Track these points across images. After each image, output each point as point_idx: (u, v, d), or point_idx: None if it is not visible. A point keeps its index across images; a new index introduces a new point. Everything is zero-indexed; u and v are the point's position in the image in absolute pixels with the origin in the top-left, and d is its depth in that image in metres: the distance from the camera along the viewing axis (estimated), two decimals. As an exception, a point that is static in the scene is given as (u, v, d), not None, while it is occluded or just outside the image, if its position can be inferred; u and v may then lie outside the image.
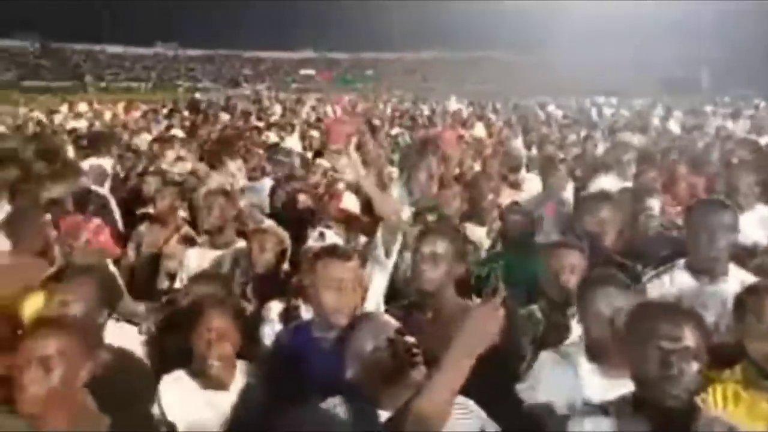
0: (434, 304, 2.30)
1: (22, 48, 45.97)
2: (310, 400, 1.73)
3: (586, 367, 1.95)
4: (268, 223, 3.46)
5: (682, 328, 1.52)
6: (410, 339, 1.68)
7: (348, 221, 3.28)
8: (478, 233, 3.59)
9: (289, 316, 2.71)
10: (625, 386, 1.64)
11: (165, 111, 15.36)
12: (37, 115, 13.40)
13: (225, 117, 12.92)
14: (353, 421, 1.63)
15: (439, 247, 2.26)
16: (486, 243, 3.54)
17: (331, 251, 2.17)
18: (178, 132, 8.87)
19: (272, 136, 8.49)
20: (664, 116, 11.86)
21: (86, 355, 1.61)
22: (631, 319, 1.67)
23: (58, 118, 12.54)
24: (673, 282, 2.50)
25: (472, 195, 3.76)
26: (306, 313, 2.71)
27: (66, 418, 1.56)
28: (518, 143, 7.27)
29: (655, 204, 3.46)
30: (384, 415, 1.61)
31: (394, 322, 1.77)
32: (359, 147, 6.68)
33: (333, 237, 3.09)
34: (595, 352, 1.96)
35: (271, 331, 2.58)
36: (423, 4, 53.96)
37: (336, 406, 1.68)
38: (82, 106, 16.05)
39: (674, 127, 10.12)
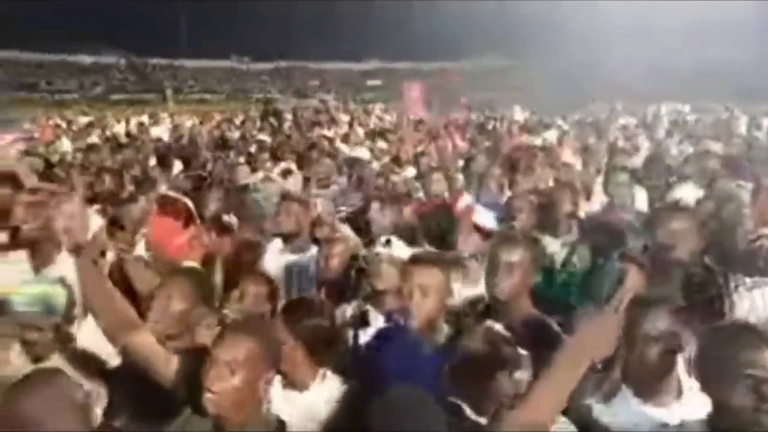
0: (508, 313, 2.30)
1: (110, 64, 49.27)
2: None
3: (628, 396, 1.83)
4: (342, 229, 3.55)
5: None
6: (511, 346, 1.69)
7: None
8: (552, 245, 3.53)
9: (359, 320, 2.79)
10: (667, 415, 1.57)
11: (237, 121, 16.08)
12: (126, 126, 14.31)
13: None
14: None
15: (515, 256, 2.26)
16: (561, 255, 3.47)
17: (423, 258, 2.23)
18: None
19: (342, 147, 8.71)
20: (751, 124, 11.19)
21: (270, 363, 1.76)
22: (711, 344, 1.58)
23: (146, 130, 13.32)
24: (765, 298, 2.37)
25: (547, 205, 3.70)
26: (376, 318, 2.79)
27: (244, 421, 1.70)
28: (599, 148, 7.05)
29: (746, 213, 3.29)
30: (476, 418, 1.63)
31: (498, 328, 1.79)
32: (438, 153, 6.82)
33: (398, 244, 3.13)
34: (636, 380, 1.82)
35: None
36: (485, 12, 53.29)
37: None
38: (164, 118, 17.00)
39: (762, 135, 9.53)
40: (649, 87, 29.05)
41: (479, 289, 2.61)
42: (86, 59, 47.81)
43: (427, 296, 2.03)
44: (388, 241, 2.78)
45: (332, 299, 2.84)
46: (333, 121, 14.63)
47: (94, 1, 50.06)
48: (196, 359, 1.85)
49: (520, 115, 16.26)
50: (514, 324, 2.31)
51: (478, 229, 3.21)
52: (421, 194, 4.89)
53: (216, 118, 17.26)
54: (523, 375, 1.63)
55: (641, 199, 4.41)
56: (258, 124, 14.75)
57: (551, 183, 4.92)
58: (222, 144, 9.75)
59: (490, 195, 3.58)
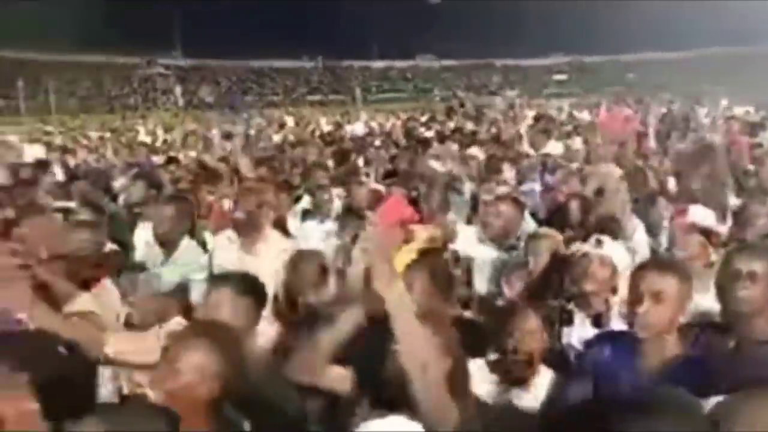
0: (743, 329, 2.07)
1: (309, 68, 54.26)
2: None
3: None
4: (544, 228, 3.49)
5: None
6: None
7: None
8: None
9: (563, 320, 2.72)
10: None
11: (423, 119, 16.60)
12: (324, 126, 15.68)
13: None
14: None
15: (757, 265, 2.02)
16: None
17: (658, 262, 2.11)
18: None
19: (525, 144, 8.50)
20: None
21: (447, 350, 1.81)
22: None
23: (343, 128, 14.46)
24: None
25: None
26: (579, 318, 2.69)
27: None
28: None
29: None
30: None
31: None
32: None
33: (611, 244, 2.97)
34: None
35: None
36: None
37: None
38: (358, 116, 18.24)
39: None
40: None
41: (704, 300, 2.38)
42: (289, 64, 53.33)
43: (660, 304, 1.89)
44: (599, 241, 2.65)
45: (535, 296, 2.81)
46: (517, 118, 14.34)
47: (294, 12, 55.60)
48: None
49: (737, 108, 14.23)
50: (749, 343, 2.07)
51: (694, 229, 2.91)
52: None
53: (402, 117, 18.00)
54: None
55: None
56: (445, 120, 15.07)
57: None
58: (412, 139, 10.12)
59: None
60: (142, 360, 2.12)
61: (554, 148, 7.17)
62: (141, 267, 3.33)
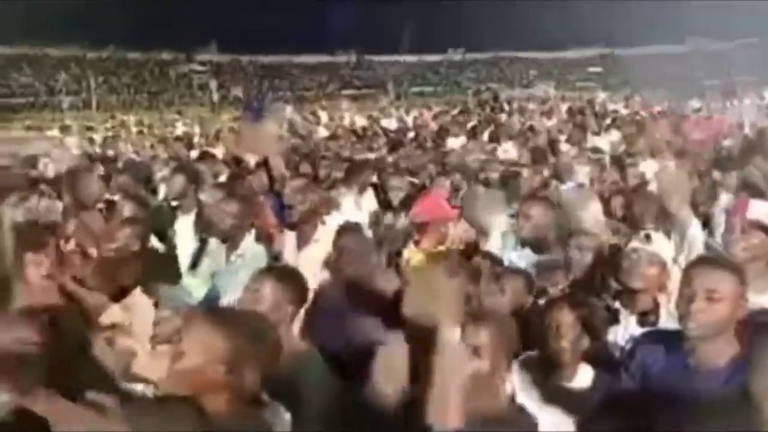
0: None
1: (341, 63, 54.39)
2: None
3: None
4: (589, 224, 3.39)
5: None
6: None
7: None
8: None
9: (607, 318, 2.65)
10: None
11: (455, 112, 16.47)
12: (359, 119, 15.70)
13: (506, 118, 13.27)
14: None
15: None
16: None
17: (713, 260, 2.04)
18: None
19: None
20: None
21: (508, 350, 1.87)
22: None
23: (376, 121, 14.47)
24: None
25: None
26: (625, 316, 2.62)
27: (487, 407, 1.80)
28: None
29: None
30: None
31: None
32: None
33: (659, 239, 2.87)
34: None
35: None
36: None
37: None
38: (390, 111, 18.22)
39: None
40: None
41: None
42: (322, 59, 53.56)
43: (715, 303, 1.81)
44: (647, 236, 2.56)
45: (579, 294, 2.74)
46: (553, 111, 14.08)
47: (326, 7, 55.80)
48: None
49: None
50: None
51: (754, 225, 2.78)
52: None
53: (434, 110, 17.89)
54: None
55: None
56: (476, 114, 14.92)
57: None
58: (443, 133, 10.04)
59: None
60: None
61: (595, 142, 7.02)
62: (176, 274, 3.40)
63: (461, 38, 54.70)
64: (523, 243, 3.18)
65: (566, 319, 2.18)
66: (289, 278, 2.35)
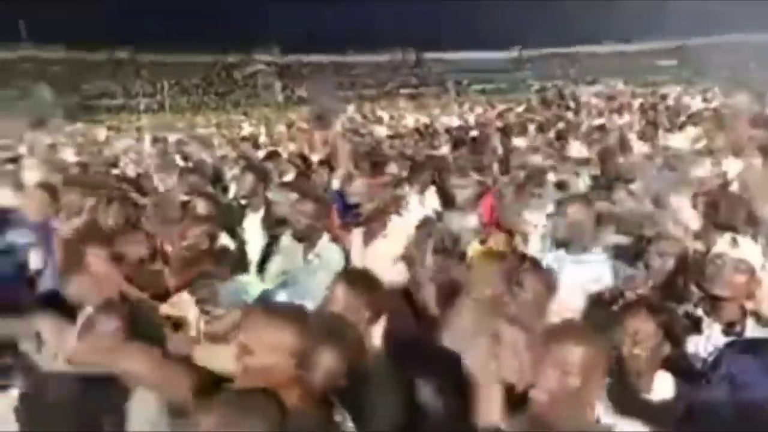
0: None
1: (401, 61, 54.46)
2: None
3: None
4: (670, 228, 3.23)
5: None
6: None
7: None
8: None
9: (688, 327, 2.52)
10: None
11: (519, 110, 16.13)
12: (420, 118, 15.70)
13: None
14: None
15: None
16: None
17: None
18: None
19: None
20: None
21: (602, 370, 1.74)
22: None
23: (436, 120, 14.44)
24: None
25: None
26: (708, 326, 2.48)
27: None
28: None
29: None
30: None
31: None
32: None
33: (746, 243, 2.71)
34: None
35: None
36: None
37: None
38: (451, 109, 18.10)
39: None
40: None
41: None
42: (382, 58, 53.81)
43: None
44: (734, 241, 2.41)
45: (659, 300, 2.62)
46: (624, 107, 13.53)
47: (386, 5, 56.03)
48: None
49: None
50: None
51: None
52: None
53: (498, 108, 17.60)
54: None
55: None
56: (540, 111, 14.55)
57: None
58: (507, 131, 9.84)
59: None
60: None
61: (668, 140, 6.68)
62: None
63: (523, 34, 53.61)
64: (558, 243, 3.08)
65: (645, 325, 2.08)
66: (361, 282, 2.33)
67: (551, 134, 8.71)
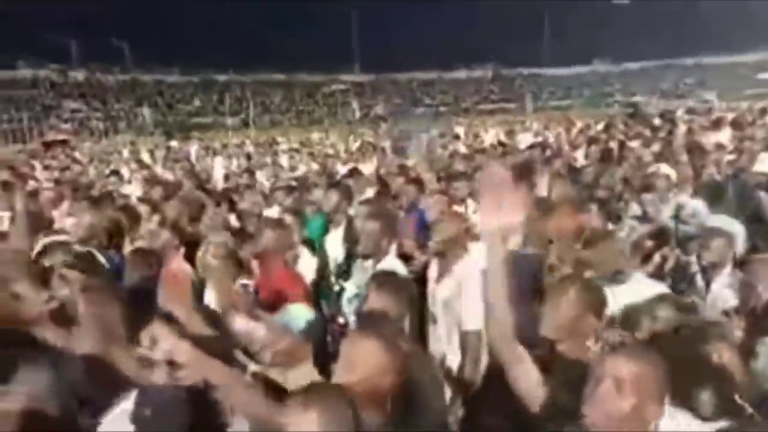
0: None
1: (480, 77, 54.10)
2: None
3: None
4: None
5: None
6: None
7: None
8: None
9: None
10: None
11: (599, 127, 15.49)
12: (498, 134, 15.50)
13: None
14: None
15: None
16: None
17: None
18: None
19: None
20: None
21: (660, 395, 1.62)
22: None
23: (514, 138, 14.21)
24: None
25: None
26: None
27: None
28: None
29: None
30: None
31: None
32: None
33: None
34: None
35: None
36: None
37: None
38: (527, 125, 17.72)
39: None
40: None
41: None
42: (461, 74, 53.69)
43: None
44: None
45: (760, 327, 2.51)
46: (718, 124, 12.69)
47: (469, 21, 56.01)
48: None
49: None
50: None
51: None
52: None
53: (578, 125, 17.00)
54: None
55: None
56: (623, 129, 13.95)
57: None
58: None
59: None
60: None
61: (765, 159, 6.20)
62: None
63: (606, 48, 51.85)
64: None
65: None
66: (389, 285, 2.50)
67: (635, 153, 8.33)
